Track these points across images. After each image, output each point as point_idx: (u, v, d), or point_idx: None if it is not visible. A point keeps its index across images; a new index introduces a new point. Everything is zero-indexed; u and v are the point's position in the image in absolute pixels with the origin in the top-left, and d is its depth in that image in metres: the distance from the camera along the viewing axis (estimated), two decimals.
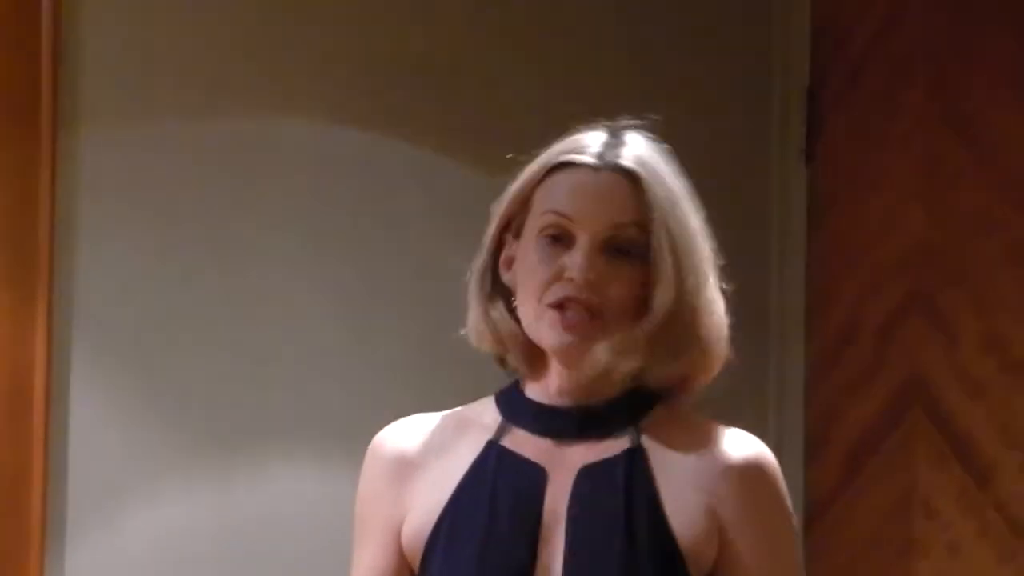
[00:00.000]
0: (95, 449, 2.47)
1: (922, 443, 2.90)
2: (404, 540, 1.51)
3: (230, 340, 2.60)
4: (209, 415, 2.57)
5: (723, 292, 1.55)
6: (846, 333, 3.06)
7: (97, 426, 2.48)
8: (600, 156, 1.50)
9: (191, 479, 2.54)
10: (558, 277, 1.45)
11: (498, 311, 1.53)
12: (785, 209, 3.15)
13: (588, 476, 1.47)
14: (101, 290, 2.49)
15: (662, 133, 2.84)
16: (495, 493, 1.49)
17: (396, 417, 1.57)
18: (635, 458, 1.47)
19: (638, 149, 1.52)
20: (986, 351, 2.83)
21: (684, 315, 1.49)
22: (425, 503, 1.50)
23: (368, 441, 1.55)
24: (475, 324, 1.55)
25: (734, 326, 2.95)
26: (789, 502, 1.53)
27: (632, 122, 1.57)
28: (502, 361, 1.55)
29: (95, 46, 2.49)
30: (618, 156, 1.50)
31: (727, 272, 2.99)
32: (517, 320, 1.52)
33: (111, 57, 2.51)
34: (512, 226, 1.52)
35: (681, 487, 1.47)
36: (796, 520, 1.56)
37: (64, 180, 2.47)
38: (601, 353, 1.49)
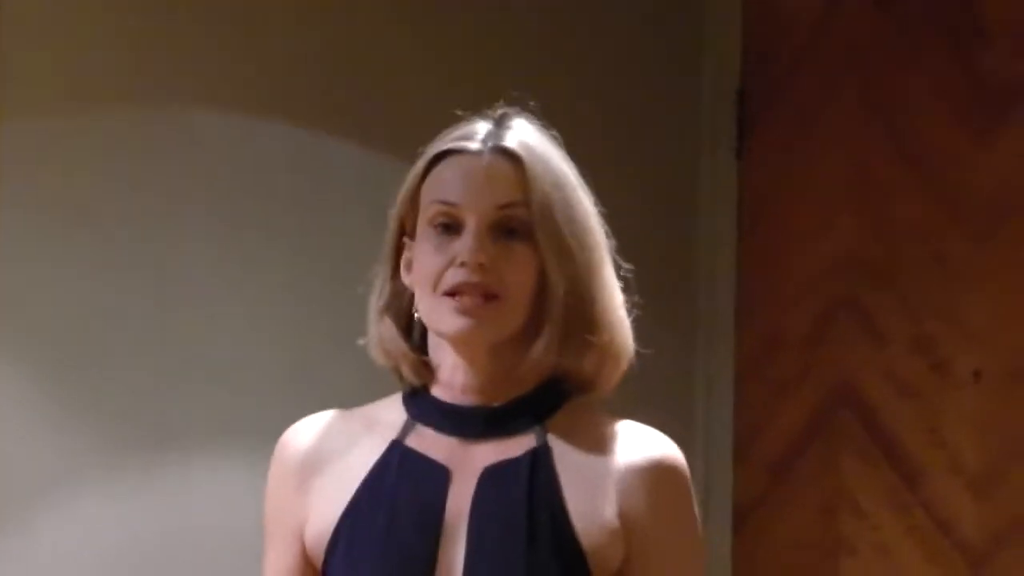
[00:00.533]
0: (10, 451, 2.43)
1: (850, 444, 2.91)
2: (307, 542, 1.49)
3: (153, 338, 2.57)
4: (131, 417, 2.53)
5: (621, 279, 1.53)
6: (776, 335, 3.06)
7: (12, 426, 2.44)
8: (483, 141, 1.49)
9: (111, 482, 2.50)
10: (450, 264, 1.43)
11: (386, 326, 1.51)
12: (715, 208, 3.14)
13: (491, 477, 1.45)
14: (18, 287, 2.46)
15: (592, 131, 2.71)
16: (397, 494, 1.47)
17: None
18: (539, 458, 1.45)
19: (522, 133, 1.51)
20: (914, 353, 2.84)
21: (582, 297, 1.48)
22: (327, 504, 1.48)
23: None
24: (370, 339, 1.54)
25: (661, 326, 3.07)
26: (695, 502, 1.52)
27: (516, 109, 1.55)
28: (399, 374, 1.53)
29: (14, 37, 2.44)
30: (501, 139, 1.49)
31: (656, 272, 3.01)
32: (405, 334, 1.50)
33: (30, 47, 2.46)
34: (407, 228, 1.50)
35: (587, 487, 1.45)
36: (699, 522, 1.54)
37: None
38: (536, 352, 1.47)
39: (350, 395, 1.57)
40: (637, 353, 2.92)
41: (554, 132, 1.56)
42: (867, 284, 2.92)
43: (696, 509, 1.52)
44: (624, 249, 2.91)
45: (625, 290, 1.55)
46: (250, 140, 2.65)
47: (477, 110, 1.59)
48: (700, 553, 1.55)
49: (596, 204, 1.55)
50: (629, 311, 1.54)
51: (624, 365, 1.54)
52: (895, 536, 2.83)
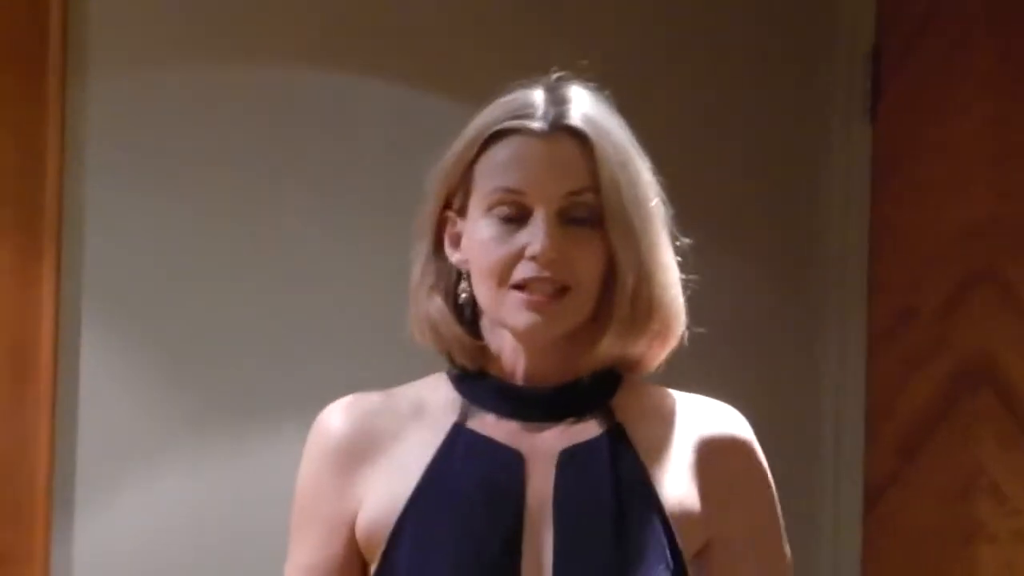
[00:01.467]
0: (104, 412, 2.46)
1: (988, 423, 2.85)
2: (361, 533, 1.43)
3: (245, 299, 2.58)
4: (222, 379, 2.55)
5: (676, 250, 1.48)
6: (910, 307, 3.01)
7: (110, 397, 2.47)
8: (544, 119, 1.41)
9: (202, 444, 2.53)
10: (519, 257, 1.37)
11: (435, 306, 1.45)
12: (846, 174, 3.09)
13: (571, 460, 1.41)
14: (112, 260, 2.48)
15: (721, 94, 2.93)
16: (467, 481, 1.42)
17: None
18: (616, 438, 1.42)
19: (583, 105, 1.44)
20: None
21: (641, 279, 1.43)
22: (384, 493, 1.42)
23: None
24: (415, 320, 1.47)
25: (789, 298, 3.07)
26: (768, 473, 1.52)
27: (566, 74, 1.48)
28: (451, 357, 1.47)
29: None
30: (564, 116, 1.41)
31: (785, 241, 3.07)
32: (457, 315, 1.45)
33: (117, 8, 2.47)
34: (454, 203, 1.44)
35: (666, 464, 1.43)
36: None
37: (72, 134, 2.44)
38: (605, 345, 1.43)
39: (437, 365, 1.54)
40: (766, 324, 2.96)
41: (607, 92, 1.47)
42: (1007, 252, 2.88)
43: (766, 465, 1.51)
44: (753, 218, 3.00)
45: (682, 266, 1.47)
46: (347, 100, 2.62)
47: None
48: (779, 522, 1.52)
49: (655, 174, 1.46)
50: (684, 286, 1.47)
51: (673, 345, 1.48)
52: None
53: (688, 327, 1.52)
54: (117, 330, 2.50)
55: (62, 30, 2.42)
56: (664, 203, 1.48)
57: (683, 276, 1.50)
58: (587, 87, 1.48)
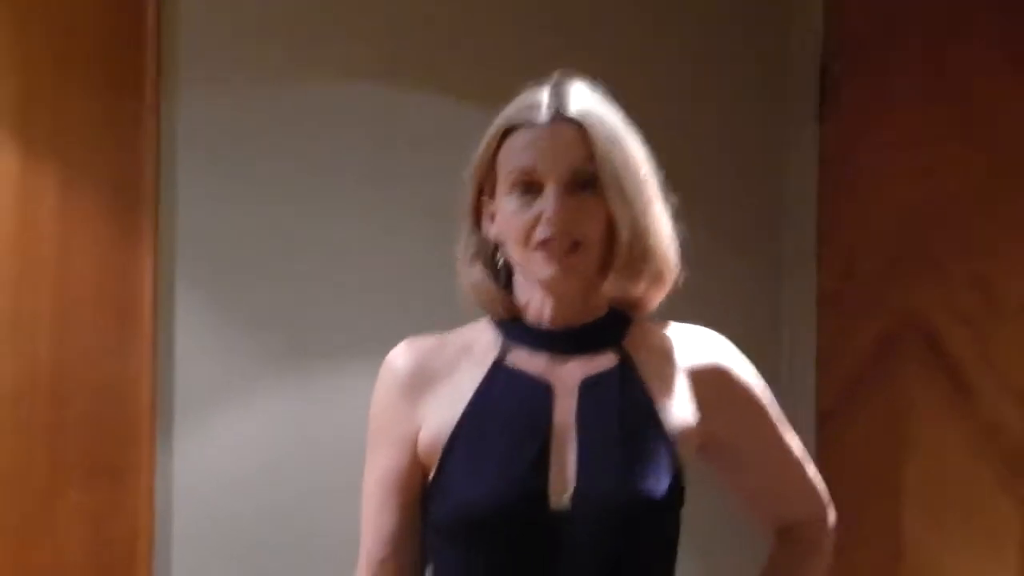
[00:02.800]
0: (196, 356, 2.52)
1: (915, 363, 2.90)
2: (421, 447, 1.56)
3: (311, 267, 2.63)
4: (295, 328, 2.60)
5: (671, 213, 1.61)
6: (851, 271, 3.06)
7: (198, 338, 2.53)
8: (548, 112, 1.54)
9: (279, 381, 2.59)
10: (536, 221, 1.50)
11: (477, 272, 1.59)
12: (800, 166, 3.14)
13: (591, 388, 1.54)
14: (198, 222, 2.53)
15: (679, 105, 2.95)
16: (506, 406, 1.54)
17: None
18: (626, 369, 1.56)
19: (580, 99, 1.55)
20: (971, 288, 2.80)
21: (637, 232, 1.54)
22: (440, 414, 1.55)
23: None
24: (464, 287, 1.61)
25: (752, 263, 3.09)
26: (756, 375, 1.66)
27: (570, 73, 1.60)
28: (492, 310, 1.61)
29: (191, 13, 2.52)
30: (563, 108, 1.53)
31: (747, 219, 3.08)
32: (494, 278, 1.59)
33: (206, 22, 2.53)
34: (485, 189, 1.57)
35: (666, 388, 1.57)
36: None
37: (166, 128, 2.49)
38: (608, 286, 1.57)
39: (466, 320, 1.66)
40: (734, 284, 3.06)
41: (604, 87, 1.61)
42: (931, 229, 2.89)
43: (755, 376, 1.66)
44: (724, 201, 3.03)
45: (678, 221, 1.62)
46: (391, 103, 2.68)
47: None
48: (775, 422, 1.67)
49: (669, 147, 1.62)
50: (680, 238, 1.61)
51: (669, 287, 1.62)
52: (951, 441, 2.83)
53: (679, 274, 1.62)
54: (205, 287, 2.54)
55: (156, 39, 2.47)
56: (656, 173, 1.59)
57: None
58: (586, 82, 1.59)
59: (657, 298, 1.62)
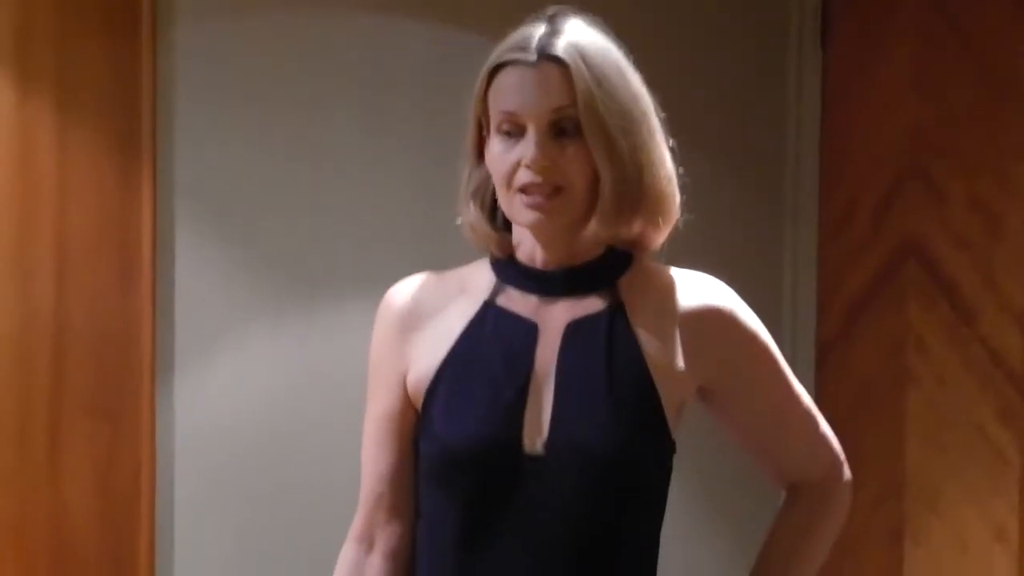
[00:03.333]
0: (196, 297, 2.52)
1: (916, 290, 2.92)
2: (409, 386, 1.53)
3: (310, 204, 2.62)
4: (292, 268, 2.60)
5: (670, 149, 1.53)
6: (853, 200, 3.07)
7: (197, 282, 2.52)
8: (535, 50, 1.47)
9: (277, 321, 2.59)
10: (518, 164, 1.46)
11: (473, 211, 1.54)
12: (802, 93, 3.13)
13: (575, 330, 1.49)
14: (197, 161, 2.52)
15: (680, 34, 2.93)
16: (491, 346, 1.51)
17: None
18: (616, 313, 1.49)
19: (572, 35, 1.49)
20: (971, 211, 2.83)
21: (627, 176, 1.48)
22: (427, 354, 1.52)
23: None
24: (462, 221, 1.57)
25: (755, 198, 3.08)
26: (755, 321, 1.58)
27: (568, 9, 1.53)
28: (487, 249, 1.56)
29: None
30: (551, 46, 1.47)
31: (750, 150, 3.07)
32: (491, 217, 1.54)
33: None
34: (483, 125, 1.51)
35: (658, 335, 1.50)
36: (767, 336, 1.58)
37: (163, 66, 2.48)
38: (590, 230, 1.50)
39: (467, 255, 1.62)
40: (737, 217, 3.04)
41: (603, 23, 1.53)
42: (931, 155, 2.91)
43: (757, 325, 1.57)
44: (727, 131, 3.01)
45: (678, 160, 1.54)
46: (388, 37, 2.64)
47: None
48: (780, 370, 1.59)
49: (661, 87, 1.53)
50: (679, 177, 1.54)
51: (669, 226, 1.55)
52: (953, 368, 2.85)
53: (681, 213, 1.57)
54: (204, 227, 2.53)
55: None
56: (653, 112, 1.52)
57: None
58: (583, 17, 1.51)
59: (657, 238, 1.56)
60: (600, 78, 1.47)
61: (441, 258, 1.66)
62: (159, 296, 2.46)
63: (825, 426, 1.64)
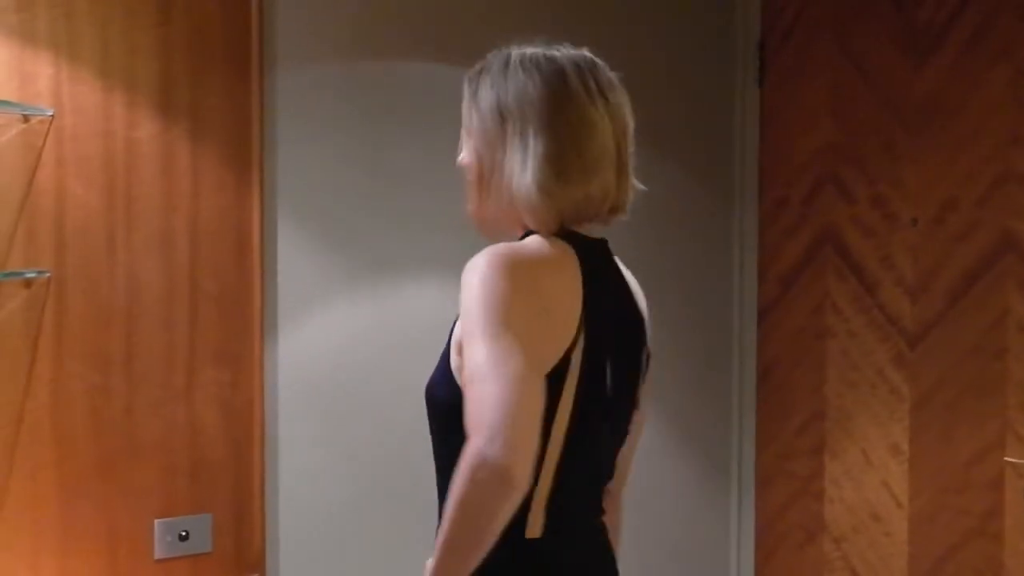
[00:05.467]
0: (293, 270, 2.51)
1: (831, 267, 3.00)
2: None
3: (379, 203, 2.61)
4: (364, 251, 2.59)
5: (535, 152, 1.41)
6: (784, 198, 3.15)
7: (294, 259, 2.51)
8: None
9: (353, 289, 2.59)
10: None
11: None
12: (744, 118, 3.22)
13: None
14: (293, 170, 2.50)
15: (657, 74, 2.89)
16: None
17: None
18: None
19: (486, 64, 1.48)
20: (873, 207, 2.90)
21: (487, 176, 1.46)
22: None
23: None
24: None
25: (709, 196, 3.13)
26: (479, 284, 1.34)
27: (527, 43, 1.49)
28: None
29: (287, 14, 2.47)
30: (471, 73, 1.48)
31: (707, 159, 3.10)
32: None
33: (301, 12, 2.49)
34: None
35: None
36: (483, 302, 1.33)
37: (268, 99, 2.46)
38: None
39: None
40: (698, 209, 3.06)
41: (517, 59, 1.46)
42: (842, 163, 2.98)
43: (480, 289, 1.33)
44: (688, 145, 3.03)
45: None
46: (435, 79, 2.62)
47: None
48: (474, 314, 1.33)
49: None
50: (536, 170, 1.41)
51: (523, 213, 1.43)
52: (860, 326, 2.94)
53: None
54: (299, 219, 2.52)
55: (260, 28, 2.44)
56: (511, 117, 1.42)
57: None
58: (510, 55, 1.46)
59: (508, 226, 1.48)
60: (470, 94, 1.49)
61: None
62: (266, 269, 2.47)
63: (483, 391, 1.27)
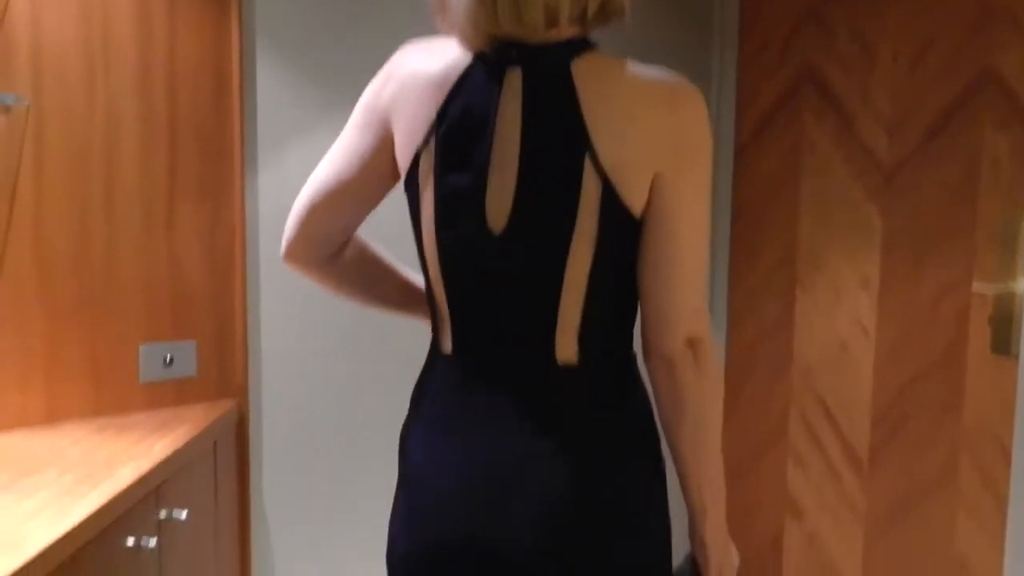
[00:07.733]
0: (271, 106, 2.46)
1: (810, 104, 3.02)
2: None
3: (358, 37, 2.53)
4: (346, 83, 2.47)
5: None
6: (767, 35, 3.14)
7: (273, 92, 2.46)
8: None
9: (333, 122, 2.38)
10: None
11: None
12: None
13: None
14: (271, 8, 2.45)
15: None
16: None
17: None
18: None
19: None
20: (851, 43, 2.88)
21: None
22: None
23: None
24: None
25: (688, 36, 3.24)
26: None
27: None
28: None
29: None
30: None
31: (692, 4, 2.84)
32: None
33: None
34: None
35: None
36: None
37: None
38: None
39: None
40: (677, 48, 3.02)
41: None
42: (822, 7, 2.96)
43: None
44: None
45: None
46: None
47: None
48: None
49: None
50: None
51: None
52: (836, 163, 2.96)
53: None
54: (278, 56, 2.47)
55: None
56: None
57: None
58: None
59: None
60: None
61: None
62: (245, 106, 2.44)
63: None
